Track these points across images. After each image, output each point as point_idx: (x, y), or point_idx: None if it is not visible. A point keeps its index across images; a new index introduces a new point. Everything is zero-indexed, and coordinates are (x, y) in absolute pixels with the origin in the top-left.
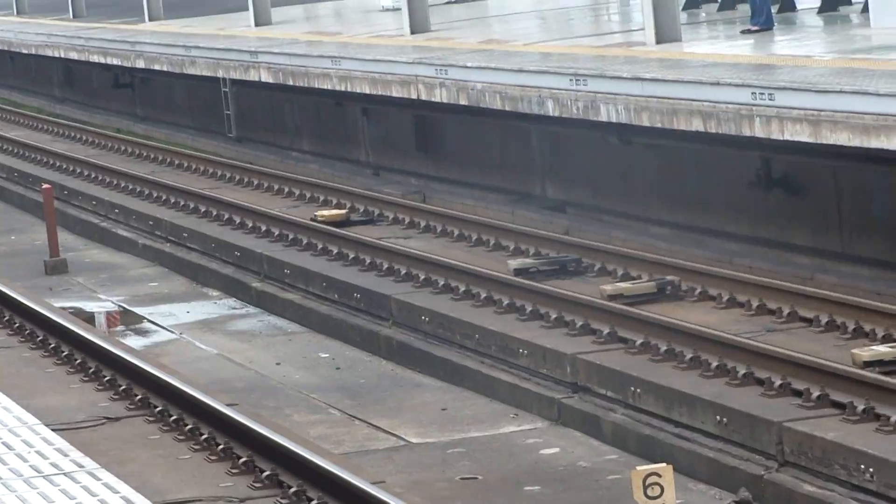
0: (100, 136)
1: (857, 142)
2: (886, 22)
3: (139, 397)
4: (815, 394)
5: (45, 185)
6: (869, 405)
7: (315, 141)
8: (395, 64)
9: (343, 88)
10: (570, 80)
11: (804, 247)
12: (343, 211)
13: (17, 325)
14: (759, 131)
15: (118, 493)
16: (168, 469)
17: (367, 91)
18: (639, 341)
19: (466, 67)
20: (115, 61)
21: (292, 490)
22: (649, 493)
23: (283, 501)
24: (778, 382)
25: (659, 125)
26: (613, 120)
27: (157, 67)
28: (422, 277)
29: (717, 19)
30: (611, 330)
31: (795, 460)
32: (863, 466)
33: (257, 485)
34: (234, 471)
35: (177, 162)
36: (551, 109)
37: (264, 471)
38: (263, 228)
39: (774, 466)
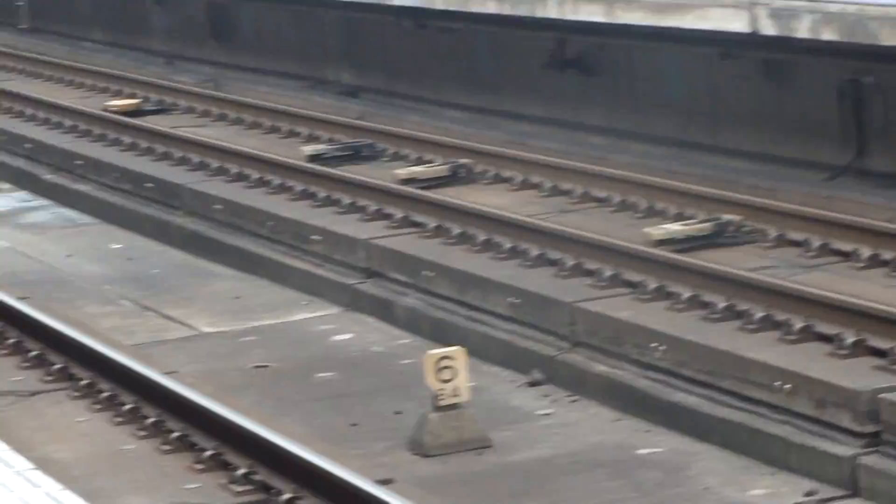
0: None
1: (649, 21)
2: None
3: None
4: (608, 273)
5: None
6: (661, 284)
7: (107, 31)
8: None
9: None
10: None
11: (598, 127)
12: (135, 101)
13: None
14: (552, 12)
15: None
16: None
17: None
18: (432, 225)
19: None
20: None
21: (83, 383)
22: (442, 376)
23: (74, 394)
24: (571, 263)
25: (454, 8)
26: (407, 4)
27: None
28: (215, 166)
29: None
30: (404, 214)
31: (588, 340)
32: (654, 344)
33: (48, 378)
34: (24, 364)
35: None
36: None
37: (55, 364)
38: (55, 120)
39: (567, 347)
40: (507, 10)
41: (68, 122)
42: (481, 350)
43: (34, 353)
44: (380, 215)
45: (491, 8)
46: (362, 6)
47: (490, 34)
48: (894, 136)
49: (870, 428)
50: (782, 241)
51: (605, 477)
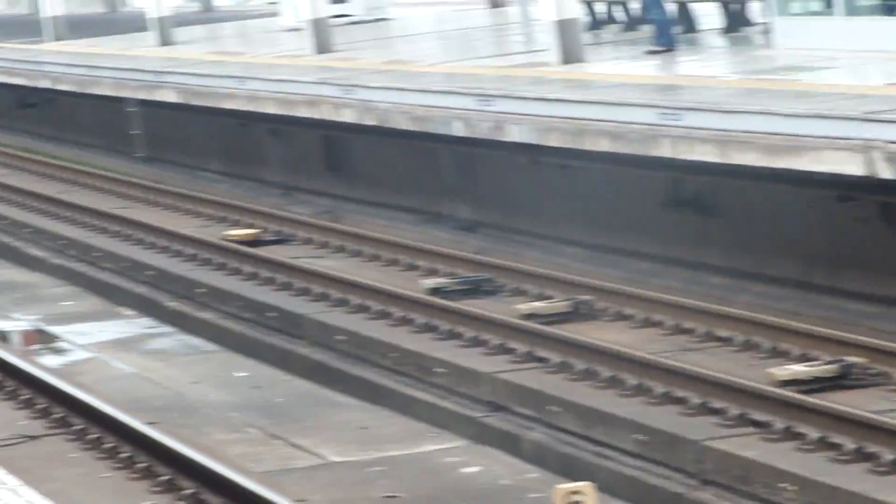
0: (7, 155)
1: (763, 162)
2: (788, 43)
3: (58, 416)
4: (734, 413)
5: None
6: (788, 424)
7: (223, 160)
8: (301, 84)
9: (250, 109)
10: (477, 100)
11: (717, 266)
12: (254, 231)
13: None
14: (667, 152)
15: None
16: (89, 487)
17: (274, 111)
18: (556, 360)
19: (371, 87)
20: (21, 81)
21: None
22: None
23: None
24: (696, 401)
25: (568, 146)
26: (522, 140)
27: (62, 87)
28: (336, 297)
29: (620, 40)
30: (528, 349)
31: (716, 478)
32: (783, 485)
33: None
34: (155, 489)
35: (86, 182)
36: (459, 130)
37: (186, 489)
38: (175, 248)
39: (695, 484)
40: (621, 148)
41: (188, 251)
42: (610, 486)
43: (165, 477)
44: (503, 349)
45: (605, 146)
46: (477, 142)
47: (606, 172)
48: None
49: None
50: None
51: None
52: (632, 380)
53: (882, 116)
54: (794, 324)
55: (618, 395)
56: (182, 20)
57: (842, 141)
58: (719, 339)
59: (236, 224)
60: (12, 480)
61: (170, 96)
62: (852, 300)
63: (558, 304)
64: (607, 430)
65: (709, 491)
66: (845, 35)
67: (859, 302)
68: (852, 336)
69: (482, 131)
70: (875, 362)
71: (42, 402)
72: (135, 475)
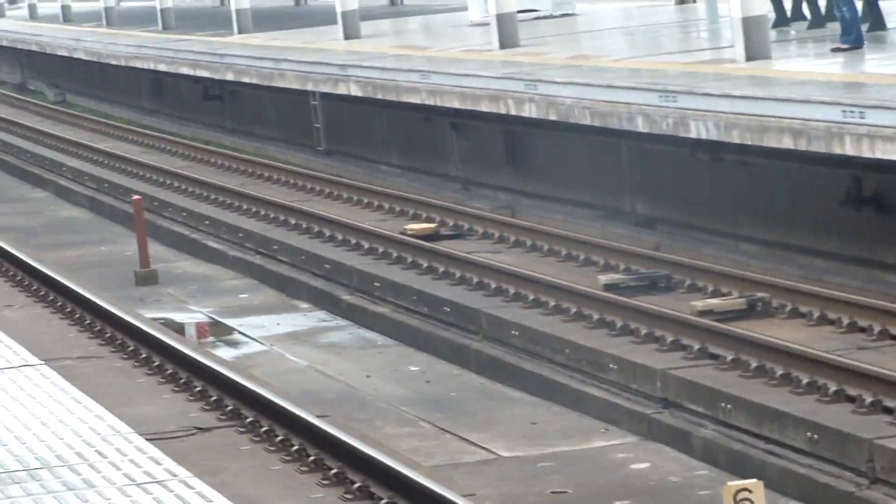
0: (189, 147)
1: None
2: None
3: (230, 408)
4: None
5: (136, 197)
6: None
7: (404, 155)
8: (485, 79)
9: (432, 103)
10: (660, 96)
11: (894, 265)
12: (432, 225)
13: (108, 335)
14: (849, 149)
15: (211, 501)
16: (259, 479)
17: (457, 105)
18: (729, 357)
19: (555, 83)
20: (205, 73)
21: (383, 502)
22: None
23: None
24: (869, 400)
25: (749, 143)
26: (703, 137)
27: (246, 80)
28: (511, 292)
29: (806, 37)
30: (701, 346)
31: (887, 477)
32: None
33: (348, 496)
34: (324, 482)
35: (266, 174)
36: (641, 125)
37: (355, 482)
38: (353, 241)
39: (866, 483)
40: (802, 146)
41: (366, 244)
42: (779, 484)
43: (334, 470)
44: (677, 346)
45: (787, 143)
46: (658, 138)
47: (786, 169)
48: None
49: None
50: None
51: None
52: (805, 377)
53: None
54: None
55: (790, 392)
56: (369, 14)
57: None
58: (895, 337)
59: (415, 218)
60: (183, 472)
61: (353, 90)
62: None
63: (734, 302)
64: (779, 428)
65: (879, 490)
66: None
67: None
68: None
69: (664, 128)
70: None
71: (214, 394)
72: (304, 468)
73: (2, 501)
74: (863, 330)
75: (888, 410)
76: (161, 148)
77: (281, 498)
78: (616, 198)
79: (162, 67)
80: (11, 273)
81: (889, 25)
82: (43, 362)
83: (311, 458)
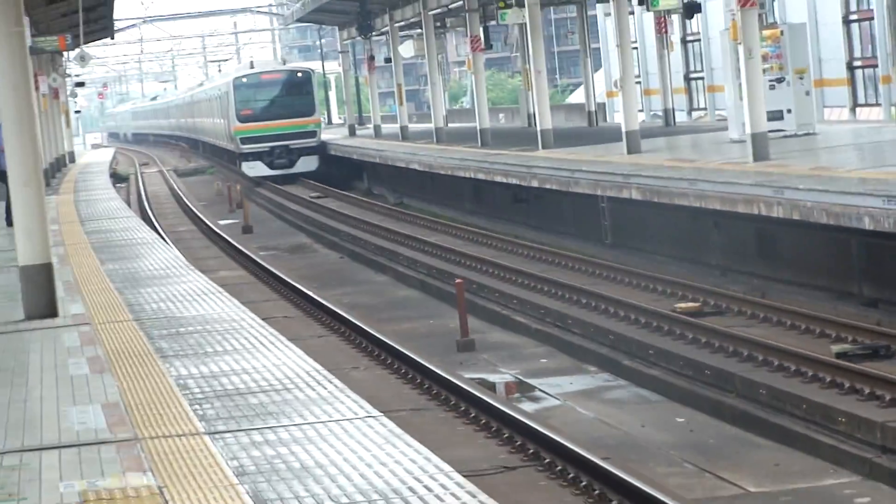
0: (501, 241)
1: None
2: None
3: (531, 451)
4: None
5: (458, 280)
6: None
7: (674, 246)
8: (741, 185)
9: (698, 205)
10: (883, 200)
11: None
12: (697, 304)
13: (434, 391)
14: None
15: None
16: None
17: (717, 207)
18: None
19: (798, 189)
20: (514, 181)
21: None
22: None
23: None
24: None
25: None
26: None
27: (547, 186)
28: (760, 358)
29: None
30: None
31: None
32: None
33: None
34: None
35: (563, 262)
36: (867, 224)
37: None
38: (633, 317)
39: None
40: None
41: (643, 319)
42: None
43: (614, 502)
44: (894, 403)
45: None
46: (883, 234)
47: None
48: None
49: None
50: None
51: None
52: None
53: None
54: None
55: None
56: (648, 133)
57: None
58: None
59: (683, 298)
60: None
61: (634, 194)
62: None
63: None
64: None
65: None
66: None
67: None
68: None
69: (886, 226)
70: None
71: (519, 440)
72: (591, 500)
73: None
74: None
75: None
76: (479, 241)
77: None
78: (846, 282)
79: (480, 176)
80: (358, 341)
81: None
82: (382, 413)
83: (597, 491)
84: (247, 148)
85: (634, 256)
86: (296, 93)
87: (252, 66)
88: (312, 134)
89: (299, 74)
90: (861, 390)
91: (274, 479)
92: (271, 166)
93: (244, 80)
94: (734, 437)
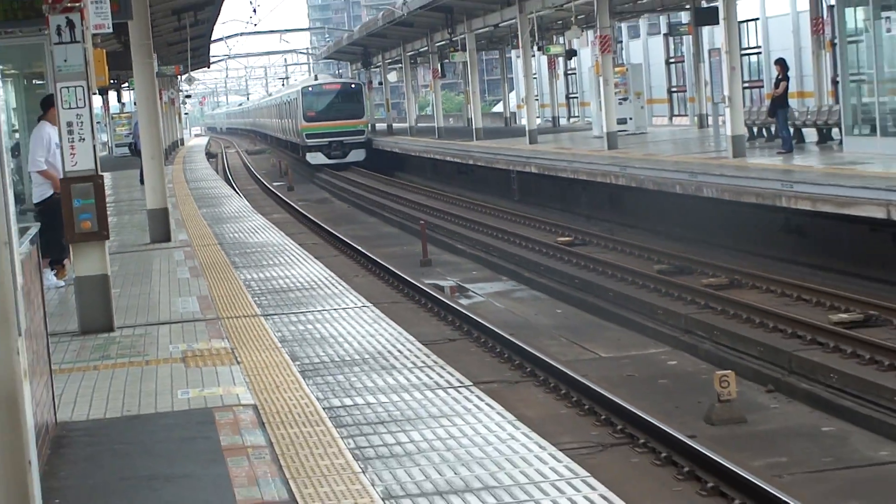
0: (450, 198)
1: (837, 210)
2: (851, 149)
3: (466, 329)
4: None
5: (422, 222)
6: None
7: (557, 203)
8: (600, 165)
9: (573, 177)
10: (688, 175)
11: None
12: (570, 237)
13: (405, 291)
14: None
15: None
16: (471, 362)
17: (585, 178)
18: None
19: (635, 167)
20: (458, 160)
21: (543, 381)
22: (722, 385)
23: None
24: None
25: (728, 198)
26: (717, 196)
27: (480, 164)
28: (609, 273)
29: (763, 147)
30: None
31: None
32: None
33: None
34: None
35: (488, 211)
36: (678, 190)
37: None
38: (530, 246)
39: None
40: (751, 200)
41: (536, 248)
42: None
43: (517, 362)
44: None
45: (750, 200)
46: (686, 197)
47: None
48: None
49: None
50: None
51: (805, 440)
52: None
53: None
54: None
55: None
56: (542, 131)
57: (868, 197)
58: None
59: (562, 234)
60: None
61: (533, 169)
62: None
63: None
64: None
65: None
66: (881, 146)
67: None
68: None
69: (688, 191)
70: None
71: (458, 322)
72: (502, 361)
73: None
74: None
75: None
76: (436, 197)
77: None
78: (663, 225)
79: (437, 157)
80: (358, 259)
81: (805, 141)
82: (371, 304)
83: (506, 355)
84: (311, 142)
85: (532, 208)
86: (349, 100)
87: (316, 78)
88: (361, 132)
89: (353, 86)
90: (671, 293)
91: (303, 345)
92: (329, 156)
93: (310, 88)
94: (592, 322)
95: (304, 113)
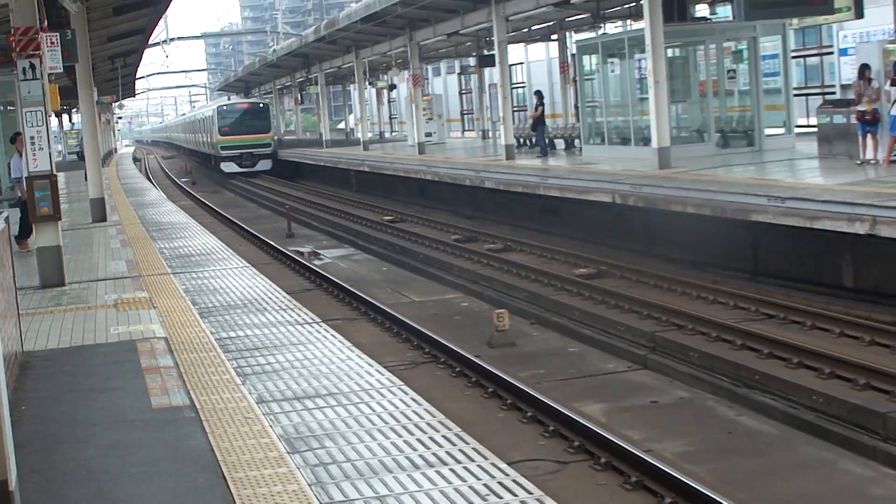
0: (317, 192)
1: (567, 195)
2: (588, 154)
3: (318, 282)
4: None
5: (287, 207)
6: None
7: (384, 191)
8: (413, 165)
9: (393, 173)
10: (473, 172)
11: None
12: (392, 217)
13: (273, 255)
14: (543, 191)
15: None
16: (321, 304)
17: (402, 175)
18: None
19: (437, 167)
20: (313, 162)
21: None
22: (498, 320)
23: None
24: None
25: (503, 188)
26: (493, 187)
27: (329, 165)
28: (421, 241)
29: (528, 152)
30: None
31: None
32: None
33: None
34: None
35: (332, 196)
36: (468, 182)
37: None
38: (361, 223)
39: None
40: (528, 190)
41: (365, 224)
42: None
43: (354, 304)
44: None
45: (518, 189)
46: (478, 189)
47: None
48: None
49: None
50: None
51: (557, 358)
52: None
53: (620, 180)
54: None
55: None
56: (374, 142)
57: (599, 187)
58: None
59: (386, 214)
60: (300, 307)
61: (367, 168)
62: None
63: None
64: None
65: None
66: (608, 152)
67: None
68: None
69: (476, 183)
70: None
71: (313, 277)
72: (344, 304)
73: None
74: None
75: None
76: (305, 191)
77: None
78: (463, 208)
79: (298, 160)
80: (241, 232)
81: (556, 148)
82: (249, 265)
83: (347, 300)
84: (225, 153)
85: (365, 196)
86: (258, 117)
87: (229, 99)
88: (269, 145)
89: (261, 105)
90: (464, 255)
91: (201, 294)
92: (240, 165)
93: (224, 107)
94: (408, 276)
95: (219, 128)
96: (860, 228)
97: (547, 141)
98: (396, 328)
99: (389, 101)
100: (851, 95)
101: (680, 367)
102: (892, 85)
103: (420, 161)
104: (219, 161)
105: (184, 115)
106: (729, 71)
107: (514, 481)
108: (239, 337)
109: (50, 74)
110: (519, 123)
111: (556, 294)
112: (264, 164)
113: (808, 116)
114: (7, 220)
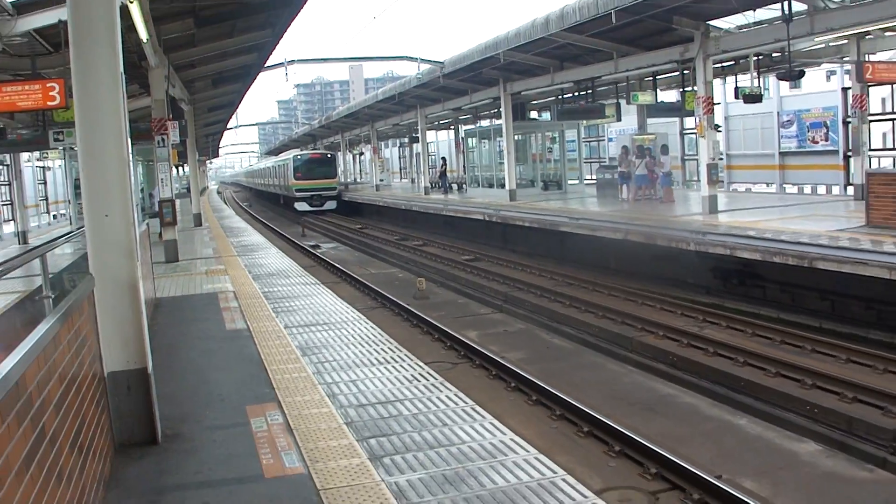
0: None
1: (459, 214)
2: (471, 193)
3: (319, 261)
4: None
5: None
6: None
7: (344, 209)
8: (370, 198)
9: (361, 202)
10: (405, 202)
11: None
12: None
13: (292, 246)
14: (477, 216)
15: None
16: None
17: (367, 203)
18: None
19: (385, 198)
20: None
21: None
22: (420, 285)
23: None
24: None
25: (461, 215)
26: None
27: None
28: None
29: (437, 189)
30: None
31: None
32: None
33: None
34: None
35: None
36: (402, 206)
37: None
38: (332, 230)
39: None
40: (474, 214)
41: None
42: None
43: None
44: None
45: (473, 214)
46: (416, 213)
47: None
48: None
49: None
50: None
51: (451, 306)
52: None
53: (488, 207)
54: None
55: None
56: (350, 183)
57: (479, 211)
58: None
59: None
60: (307, 276)
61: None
62: None
63: None
64: None
65: None
66: (482, 192)
67: None
68: None
69: (411, 207)
70: None
71: (313, 259)
72: (312, 262)
73: None
74: None
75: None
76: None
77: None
78: (391, 221)
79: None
80: (282, 237)
81: (452, 187)
82: (275, 247)
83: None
84: (298, 195)
85: (352, 218)
86: (324, 164)
87: (301, 151)
88: (334, 188)
89: (328, 155)
90: (401, 247)
91: (255, 268)
92: (311, 205)
93: (299, 157)
94: (368, 259)
95: (294, 173)
96: (619, 236)
97: (448, 185)
98: (363, 288)
99: (359, 162)
100: (616, 163)
101: (519, 311)
102: (637, 157)
103: (376, 195)
104: (292, 201)
105: (250, 165)
106: (548, 148)
107: (428, 373)
108: (273, 290)
109: (172, 144)
110: (432, 175)
111: (452, 270)
112: (330, 204)
113: (591, 174)
114: (149, 224)
